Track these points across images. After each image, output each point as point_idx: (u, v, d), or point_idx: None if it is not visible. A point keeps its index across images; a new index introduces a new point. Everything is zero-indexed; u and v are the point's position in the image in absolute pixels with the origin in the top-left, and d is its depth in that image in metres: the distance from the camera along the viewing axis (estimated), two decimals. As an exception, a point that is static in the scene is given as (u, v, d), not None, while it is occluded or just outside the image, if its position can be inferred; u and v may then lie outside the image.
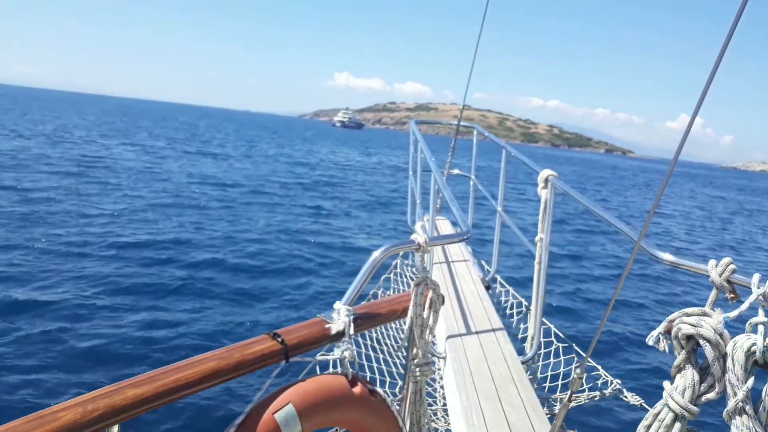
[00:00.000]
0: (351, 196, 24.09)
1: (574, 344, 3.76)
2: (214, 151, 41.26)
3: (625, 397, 3.41)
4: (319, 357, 1.60)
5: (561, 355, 3.62)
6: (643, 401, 3.32)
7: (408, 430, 1.89)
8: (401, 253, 5.47)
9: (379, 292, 4.70)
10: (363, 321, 1.70)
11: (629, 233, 2.38)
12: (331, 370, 1.68)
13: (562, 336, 3.84)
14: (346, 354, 1.55)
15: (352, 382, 1.55)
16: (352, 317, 1.59)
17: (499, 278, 4.95)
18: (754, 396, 1.79)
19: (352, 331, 1.58)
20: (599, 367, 3.56)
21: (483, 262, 5.40)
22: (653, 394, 2.08)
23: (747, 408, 1.76)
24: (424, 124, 6.75)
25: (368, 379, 3.49)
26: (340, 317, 1.59)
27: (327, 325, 1.58)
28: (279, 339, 1.47)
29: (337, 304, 1.62)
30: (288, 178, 28.81)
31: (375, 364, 3.47)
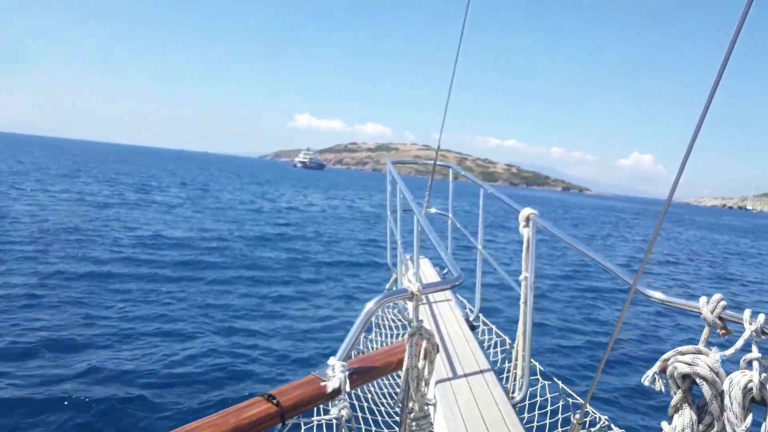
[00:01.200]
0: (317, 255, 19.55)
1: (563, 384, 3.74)
2: (157, 198, 34.21)
3: None
4: (315, 419, 1.60)
5: (548, 393, 3.60)
6: None
7: None
8: (386, 288, 5.44)
9: (361, 337, 4.61)
10: (358, 376, 1.66)
11: (623, 276, 2.33)
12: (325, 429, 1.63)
13: (551, 376, 3.83)
14: (344, 413, 1.52)
15: None
16: (347, 373, 1.55)
17: (482, 318, 4.94)
18: None
19: (348, 388, 1.53)
20: (593, 410, 3.53)
21: (465, 301, 5.39)
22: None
23: (748, 446, 1.76)
24: (401, 164, 6.76)
25: None
26: (335, 374, 1.54)
27: (322, 383, 1.54)
28: (274, 401, 1.42)
29: (332, 360, 1.58)
30: (243, 229, 23.68)
31: (369, 416, 3.38)
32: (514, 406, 3.12)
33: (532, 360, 3.48)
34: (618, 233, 45.05)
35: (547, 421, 3.42)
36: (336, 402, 1.53)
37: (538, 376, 3.73)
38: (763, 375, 1.81)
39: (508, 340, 4.52)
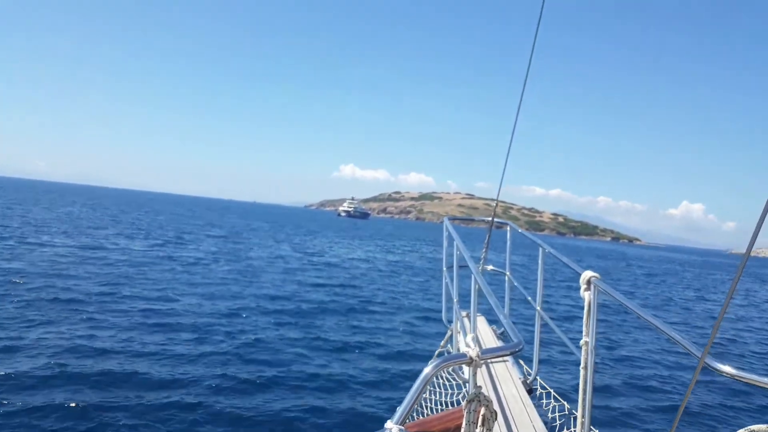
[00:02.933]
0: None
1: None
2: (189, 253, 30.56)
3: None
4: None
5: None
6: None
7: None
8: (438, 351, 5.35)
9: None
10: None
11: (691, 348, 2.19)
12: None
13: None
14: None
15: None
16: None
17: (540, 380, 4.80)
18: None
19: None
20: None
21: (522, 362, 5.25)
22: None
23: None
24: (458, 220, 6.69)
25: None
26: None
27: None
28: None
29: (389, 424, 1.56)
30: (287, 292, 20.64)
31: None
32: None
33: (592, 427, 3.35)
34: (695, 287, 42.47)
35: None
36: None
37: None
38: None
39: (567, 406, 4.37)
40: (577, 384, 3.13)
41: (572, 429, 3.27)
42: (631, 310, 2.73)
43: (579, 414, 3.15)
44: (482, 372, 4.51)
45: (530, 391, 4.24)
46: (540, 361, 4.54)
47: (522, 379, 4.42)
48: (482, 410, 1.79)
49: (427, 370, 1.69)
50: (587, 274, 3.02)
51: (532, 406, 3.89)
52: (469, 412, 1.76)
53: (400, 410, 1.60)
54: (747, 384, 1.90)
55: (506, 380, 4.39)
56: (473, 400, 1.78)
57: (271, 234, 58.85)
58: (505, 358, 4.95)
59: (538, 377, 4.69)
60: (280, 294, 19.97)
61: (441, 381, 4.96)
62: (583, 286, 2.99)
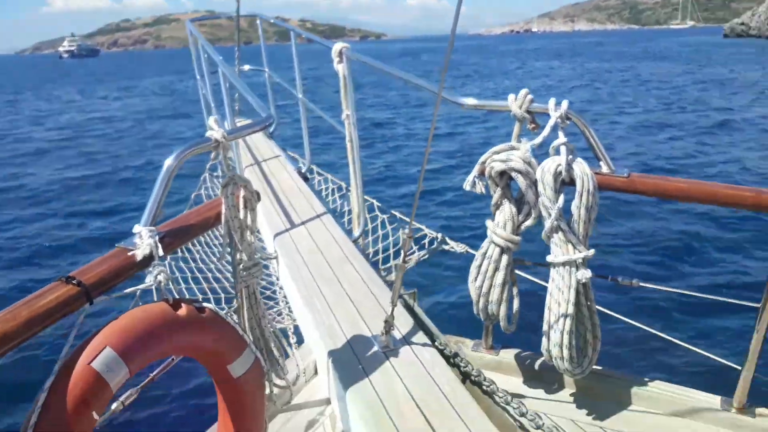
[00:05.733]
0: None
1: (397, 213, 3.89)
2: None
3: (452, 247, 3.68)
4: (128, 291, 1.45)
5: (388, 226, 3.74)
6: (468, 247, 3.59)
7: (251, 336, 1.82)
8: (208, 168, 5.06)
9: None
10: (172, 238, 1.55)
11: (429, 87, 2.47)
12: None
13: (385, 208, 3.94)
14: (161, 278, 1.39)
15: (175, 306, 1.39)
16: (157, 237, 1.43)
17: (315, 168, 4.87)
18: (566, 214, 1.96)
19: (161, 252, 1.42)
20: (423, 227, 3.75)
21: (297, 156, 5.25)
22: (479, 238, 2.20)
23: (562, 225, 1.95)
24: (202, 20, 6.30)
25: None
26: (143, 241, 1.42)
27: (130, 253, 1.41)
28: (74, 281, 1.29)
29: (137, 227, 1.45)
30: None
31: (205, 285, 3.23)
32: (354, 242, 3.20)
33: (366, 197, 3.53)
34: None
35: (391, 251, 3.57)
36: (150, 269, 1.41)
37: (377, 213, 3.82)
38: (569, 157, 1.96)
39: (343, 185, 4.54)
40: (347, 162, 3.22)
41: (348, 206, 3.42)
42: (386, 72, 2.93)
43: (353, 185, 3.29)
44: (255, 171, 4.52)
45: (306, 180, 4.31)
46: (312, 152, 4.58)
47: (297, 170, 4.45)
48: (242, 192, 1.72)
49: (169, 161, 1.55)
50: (338, 45, 3.02)
51: (309, 190, 4.05)
52: (227, 197, 1.67)
53: (147, 210, 1.49)
54: (484, 111, 2.09)
55: (280, 173, 4.40)
56: (228, 184, 1.68)
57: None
58: (277, 153, 4.90)
59: (314, 166, 4.76)
60: None
61: (213, 194, 4.82)
62: (336, 59, 3.00)
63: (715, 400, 2.06)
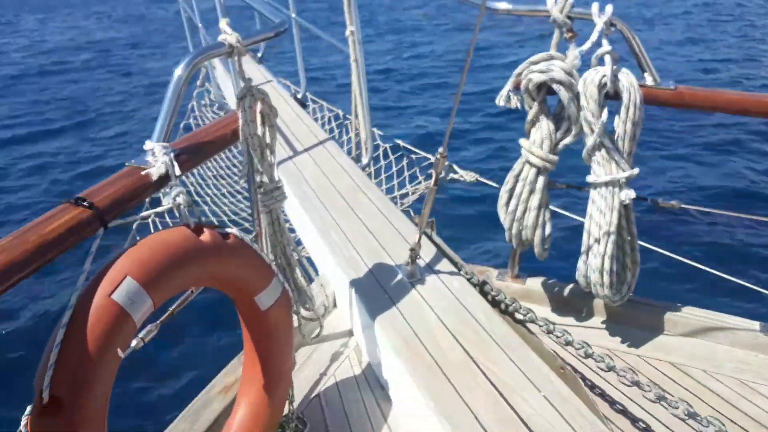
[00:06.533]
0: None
1: (400, 142, 3.72)
2: None
3: (461, 176, 3.53)
4: (146, 213, 1.31)
5: (391, 155, 3.57)
6: (477, 175, 3.44)
7: (276, 264, 1.67)
8: (195, 95, 4.78)
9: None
10: (188, 156, 1.40)
11: None
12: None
13: (393, 138, 3.76)
14: (180, 200, 1.23)
15: (197, 231, 1.25)
16: (172, 155, 1.30)
17: (310, 95, 4.61)
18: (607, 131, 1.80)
19: (178, 171, 1.30)
20: (429, 155, 3.58)
21: (289, 83, 4.95)
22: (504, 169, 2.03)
23: (605, 142, 1.79)
24: None
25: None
26: (157, 158, 1.28)
27: (144, 172, 1.28)
28: (85, 203, 1.16)
29: (148, 144, 1.31)
30: None
31: (218, 200, 3.08)
32: (362, 169, 3.04)
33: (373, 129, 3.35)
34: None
35: (395, 182, 3.41)
36: (167, 190, 1.29)
37: (379, 142, 3.64)
38: (614, 67, 1.78)
39: (341, 113, 4.32)
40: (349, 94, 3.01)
41: (354, 130, 3.22)
42: None
43: (360, 109, 3.10)
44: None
45: (303, 106, 4.07)
46: (308, 78, 4.31)
47: (293, 96, 4.20)
48: (259, 105, 1.58)
49: (178, 71, 1.39)
50: None
51: (308, 117, 3.82)
52: (244, 110, 1.52)
53: (158, 126, 1.34)
54: (526, 17, 1.90)
55: (276, 99, 4.15)
56: (245, 96, 1.53)
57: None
58: (269, 77, 4.62)
59: (308, 93, 4.52)
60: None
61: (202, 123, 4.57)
62: None
63: (754, 325, 1.98)
